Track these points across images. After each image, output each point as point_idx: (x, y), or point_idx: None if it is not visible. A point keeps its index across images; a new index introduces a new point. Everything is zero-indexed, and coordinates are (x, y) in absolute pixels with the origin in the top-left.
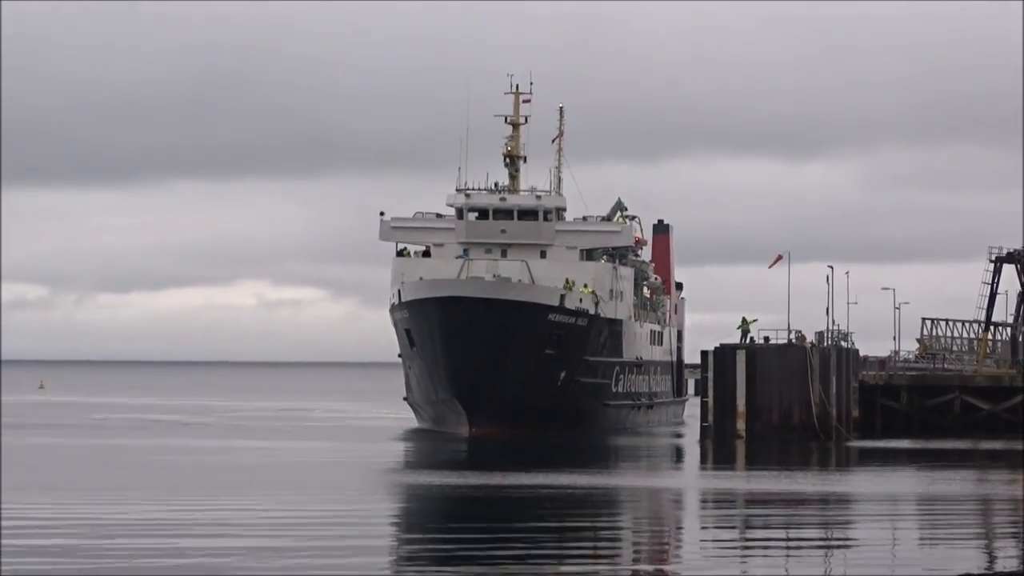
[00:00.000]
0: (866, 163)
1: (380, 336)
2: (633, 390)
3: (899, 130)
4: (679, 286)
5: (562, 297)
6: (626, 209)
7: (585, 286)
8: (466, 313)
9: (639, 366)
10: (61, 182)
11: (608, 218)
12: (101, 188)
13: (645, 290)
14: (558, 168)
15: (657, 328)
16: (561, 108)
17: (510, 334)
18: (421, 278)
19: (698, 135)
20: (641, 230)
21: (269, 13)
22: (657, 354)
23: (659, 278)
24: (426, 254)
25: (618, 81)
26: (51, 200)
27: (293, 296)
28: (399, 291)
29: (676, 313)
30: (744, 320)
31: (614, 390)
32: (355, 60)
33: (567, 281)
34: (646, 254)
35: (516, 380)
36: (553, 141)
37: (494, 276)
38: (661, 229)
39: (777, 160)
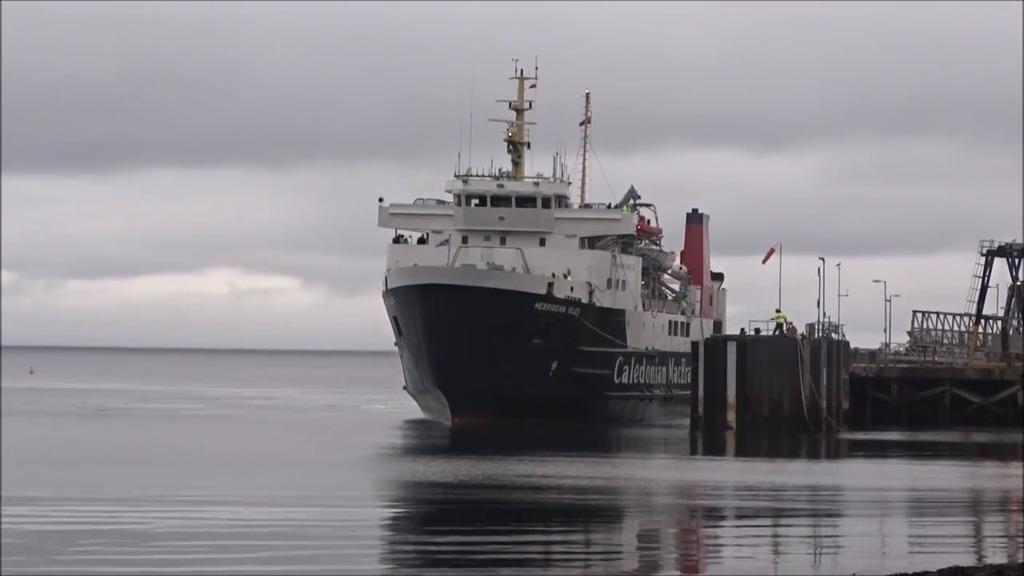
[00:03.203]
0: (832, 157)
1: (351, 324)
2: (644, 381)
3: (863, 125)
4: (719, 276)
5: (550, 285)
6: (639, 197)
7: (567, 274)
8: (446, 301)
9: (652, 357)
10: (31, 169)
11: (621, 206)
12: (71, 175)
13: (670, 279)
14: (583, 155)
15: (680, 318)
16: (587, 94)
17: (493, 322)
18: (416, 265)
19: (667, 128)
20: (656, 219)
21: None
22: (679, 345)
23: (685, 267)
24: (421, 241)
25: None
26: (20, 187)
27: (264, 285)
28: (386, 278)
29: (712, 304)
30: (778, 311)
31: (617, 381)
32: (335, 50)
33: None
34: (672, 244)
35: (502, 369)
36: (580, 124)
37: (488, 264)
38: (695, 218)
39: (744, 153)
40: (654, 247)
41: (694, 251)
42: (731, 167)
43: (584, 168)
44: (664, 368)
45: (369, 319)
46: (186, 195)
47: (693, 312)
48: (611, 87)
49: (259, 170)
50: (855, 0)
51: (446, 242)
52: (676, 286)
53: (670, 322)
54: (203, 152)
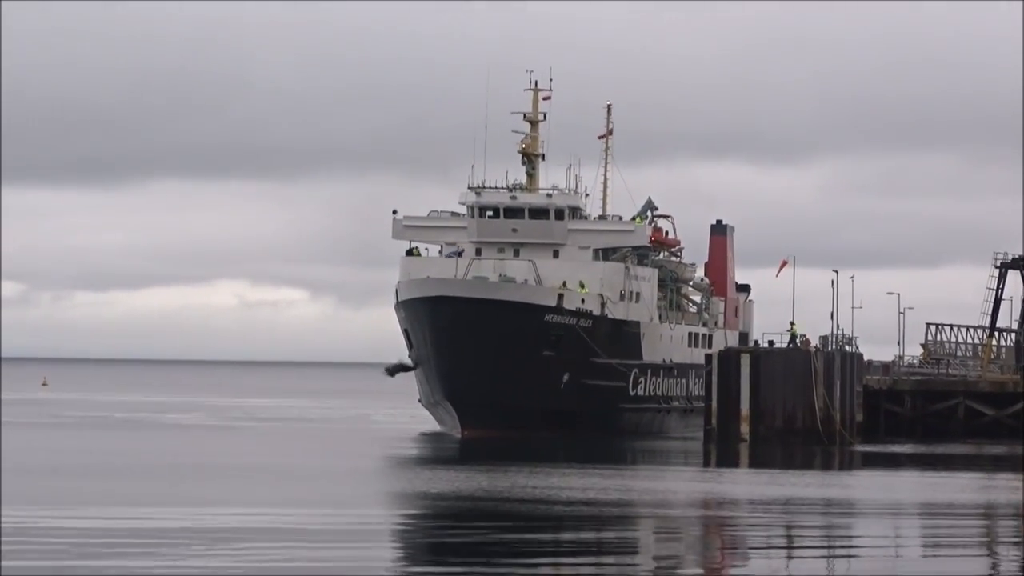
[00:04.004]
0: (840, 170)
1: (360, 336)
2: (661, 393)
3: (868, 139)
4: (745, 288)
5: (560, 297)
6: (657, 208)
7: (582, 285)
8: (454, 313)
9: (670, 369)
10: (39, 181)
11: (637, 217)
12: (80, 187)
13: (693, 291)
14: (604, 167)
15: (702, 330)
16: (609, 106)
17: (501, 334)
18: (428, 277)
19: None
20: (674, 230)
21: (261, 6)
22: (700, 357)
23: (707, 279)
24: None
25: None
26: (28, 198)
27: (273, 297)
28: (397, 290)
29: (737, 315)
30: (792, 324)
31: (632, 393)
32: (345, 61)
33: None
34: (695, 255)
35: (511, 381)
36: (600, 138)
37: (500, 276)
38: (719, 230)
39: (753, 166)
40: (674, 259)
41: (718, 263)
42: (741, 180)
43: (605, 180)
44: (684, 380)
45: (377, 331)
46: (194, 207)
47: (716, 324)
48: (620, 100)
49: (268, 182)
50: (859, 1)
51: (455, 253)
52: (698, 298)
53: (690, 334)
54: (211, 164)
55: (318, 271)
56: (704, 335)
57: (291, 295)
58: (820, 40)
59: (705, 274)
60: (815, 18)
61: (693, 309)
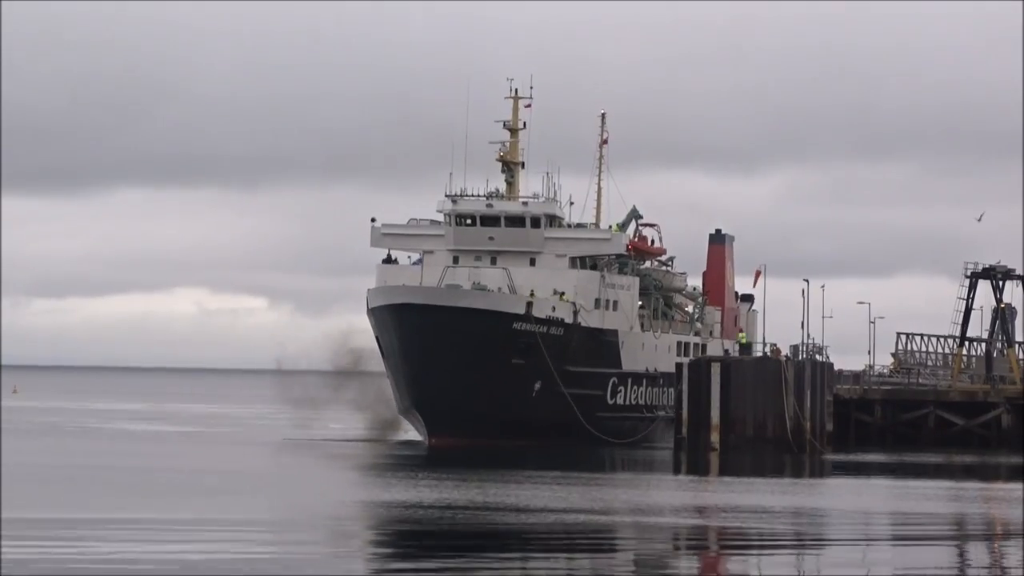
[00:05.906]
0: (801, 178)
1: (316, 344)
2: (644, 402)
3: (824, 147)
4: (748, 298)
5: (529, 305)
6: (641, 217)
7: (562, 294)
8: (420, 320)
9: (653, 377)
10: None
11: (623, 226)
12: (38, 196)
13: (684, 300)
14: (599, 175)
15: (694, 339)
16: (603, 114)
17: (468, 342)
18: (404, 285)
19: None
20: (660, 238)
21: (225, 11)
22: None
23: (699, 288)
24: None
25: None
26: None
27: (231, 304)
28: (367, 298)
29: (736, 325)
30: (740, 332)
31: (611, 401)
32: (319, 69)
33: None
34: (689, 265)
35: (479, 389)
36: (600, 146)
37: (474, 284)
38: (717, 239)
39: (713, 175)
40: (662, 267)
41: (716, 272)
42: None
43: (599, 189)
44: (671, 389)
45: (336, 339)
46: (153, 215)
47: (712, 334)
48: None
49: (227, 190)
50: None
51: (420, 261)
52: (690, 307)
53: (680, 343)
54: (170, 173)
55: (276, 279)
56: (696, 344)
57: (250, 303)
58: (771, 49)
59: (703, 283)
60: (766, 26)
61: (681, 319)
